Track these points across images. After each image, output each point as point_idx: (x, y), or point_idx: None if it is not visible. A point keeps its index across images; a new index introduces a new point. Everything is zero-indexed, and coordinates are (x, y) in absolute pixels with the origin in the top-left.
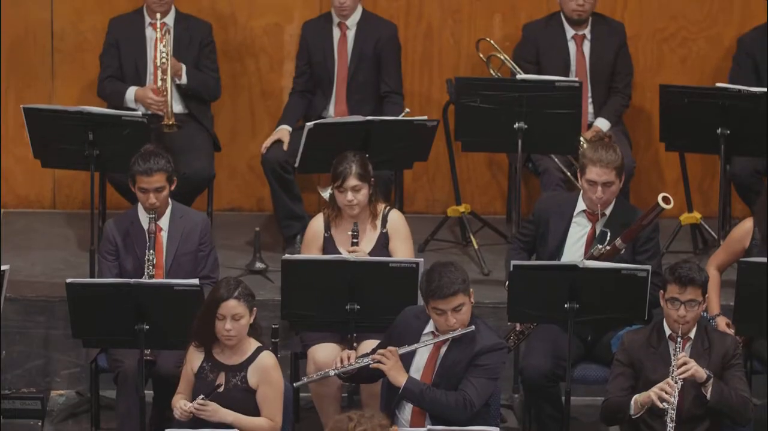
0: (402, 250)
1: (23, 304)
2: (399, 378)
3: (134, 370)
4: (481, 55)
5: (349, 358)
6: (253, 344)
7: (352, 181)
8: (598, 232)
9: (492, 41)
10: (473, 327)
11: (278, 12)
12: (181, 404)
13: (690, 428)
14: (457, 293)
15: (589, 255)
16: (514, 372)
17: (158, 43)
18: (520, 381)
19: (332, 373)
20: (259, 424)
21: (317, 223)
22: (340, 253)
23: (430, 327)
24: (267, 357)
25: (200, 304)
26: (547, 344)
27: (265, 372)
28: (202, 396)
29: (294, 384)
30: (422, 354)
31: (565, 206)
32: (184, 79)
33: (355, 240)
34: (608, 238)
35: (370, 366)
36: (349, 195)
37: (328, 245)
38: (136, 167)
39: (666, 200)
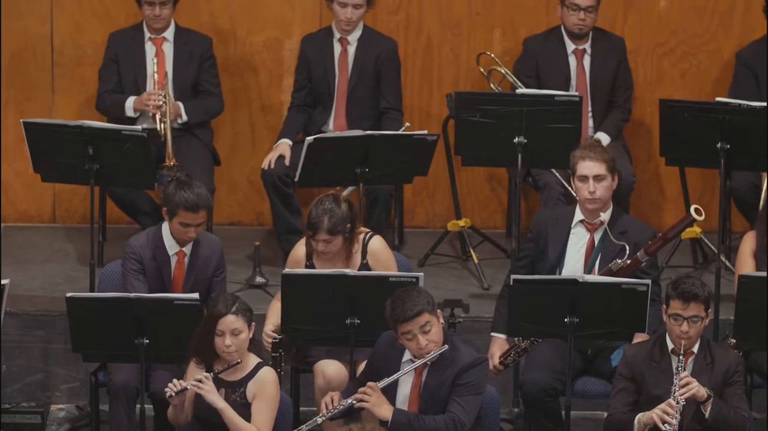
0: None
1: (23, 318)
2: (385, 413)
3: (123, 383)
4: (482, 69)
5: (332, 401)
6: (254, 360)
7: (323, 235)
8: (597, 241)
9: (493, 55)
10: (446, 346)
11: (278, 26)
12: (174, 381)
13: None
14: (421, 313)
15: (606, 270)
16: (514, 386)
17: (156, 86)
18: (520, 395)
19: (320, 421)
20: (246, 427)
21: (300, 250)
22: None
23: (407, 355)
24: (266, 373)
25: (200, 319)
26: (548, 358)
27: (262, 385)
28: (205, 375)
29: None
30: (405, 383)
31: (562, 218)
32: (184, 117)
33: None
34: (627, 252)
35: (354, 406)
36: (321, 246)
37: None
38: (181, 200)
39: (698, 211)
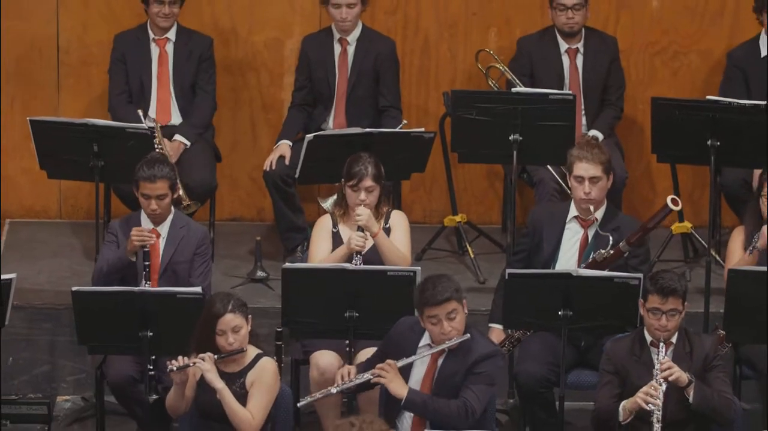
0: (400, 240)
1: (30, 312)
2: (401, 390)
3: (120, 382)
4: (480, 66)
5: (349, 374)
6: (253, 351)
7: (368, 182)
8: (590, 237)
9: (491, 52)
10: (468, 335)
11: (278, 27)
12: (179, 357)
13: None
14: (450, 300)
15: (591, 261)
16: (509, 378)
17: (158, 144)
18: (515, 387)
19: (335, 391)
20: (240, 411)
21: (325, 220)
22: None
23: (425, 340)
24: (265, 362)
25: (206, 304)
26: (542, 350)
27: (260, 373)
28: (208, 354)
29: (298, 404)
30: (420, 367)
31: (557, 214)
32: (187, 143)
33: (360, 223)
34: (611, 242)
35: (371, 380)
36: (363, 195)
37: (337, 240)
38: (141, 173)
39: (675, 201)
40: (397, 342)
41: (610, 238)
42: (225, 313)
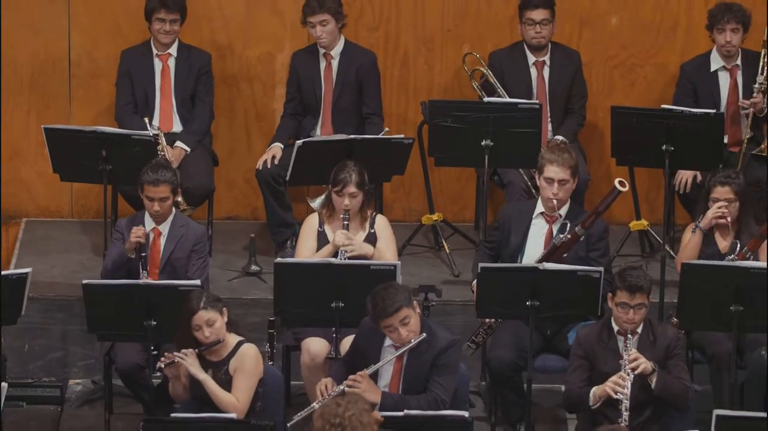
0: (389, 250)
1: (44, 303)
2: (374, 397)
3: (128, 369)
4: (466, 68)
5: (327, 389)
6: (234, 339)
7: (351, 188)
8: (555, 232)
9: (478, 55)
10: (424, 334)
11: (270, 42)
12: (166, 353)
13: (637, 413)
14: (400, 308)
15: (551, 246)
16: (482, 363)
17: (160, 153)
18: (487, 371)
19: (317, 405)
20: (224, 396)
21: (312, 219)
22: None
23: (389, 341)
24: (246, 348)
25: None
26: (511, 337)
27: (241, 360)
28: (190, 350)
29: (288, 425)
30: (387, 368)
31: (525, 210)
32: (187, 149)
33: (346, 222)
34: (568, 228)
35: (346, 391)
36: (346, 200)
37: (321, 239)
38: (146, 177)
39: (622, 183)
40: (364, 342)
41: (568, 224)
42: (198, 310)
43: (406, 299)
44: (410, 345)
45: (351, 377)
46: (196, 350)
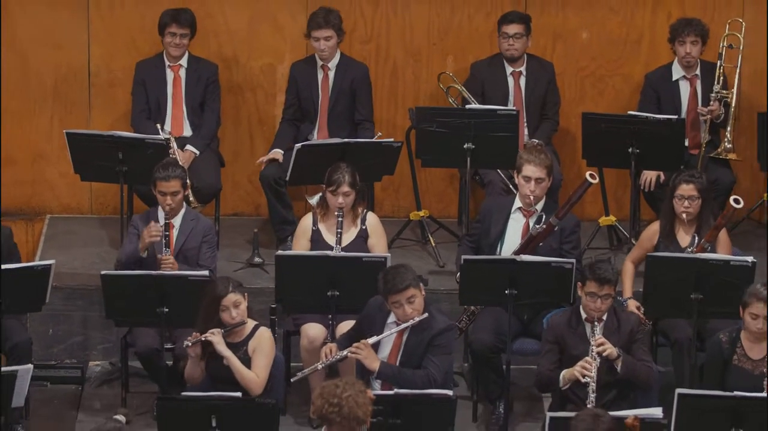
0: (380, 245)
1: (66, 292)
2: (374, 364)
3: (145, 353)
4: (442, 86)
5: (331, 351)
6: (251, 323)
7: (344, 188)
8: (531, 225)
9: (451, 74)
10: (427, 314)
11: (272, 54)
12: (193, 333)
13: (604, 394)
14: (408, 287)
15: (528, 237)
16: (464, 346)
17: (172, 153)
18: (469, 353)
19: (320, 367)
20: (247, 373)
21: (307, 220)
22: (327, 243)
23: (392, 318)
24: (262, 331)
25: (208, 287)
26: (491, 322)
27: (259, 341)
28: (217, 329)
29: (291, 380)
30: (388, 342)
31: (504, 205)
32: (196, 152)
33: (339, 219)
34: (543, 219)
35: (348, 356)
36: (340, 199)
37: (316, 236)
38: (157, 174)
39: (592, 176)
40: (368, 320)
41: (543, 216)
42: (228, 293)
43: (415, 281)
44: (412, 322)
45: (355, 344)
46: (222, 330)
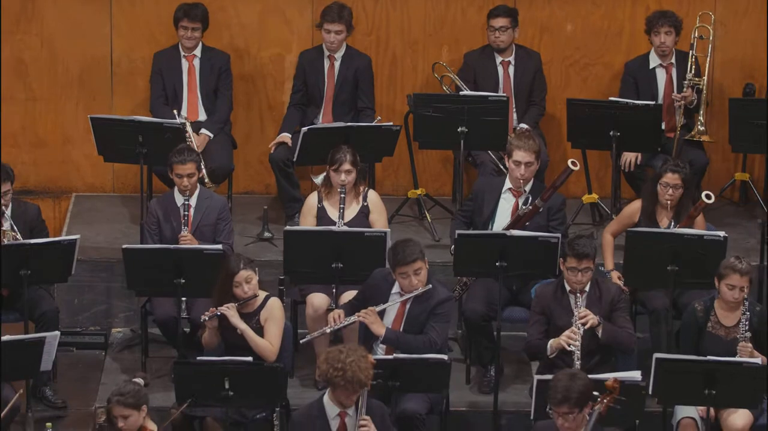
0: (381, 220)
1: (90, 264)
2: (379, 329)
3: (165, 320)
4: (436, 75)
5: (339, 317)
6: (262, 294)
7: (346, 166)
8: (520, 204)
9: (445, 64)
10: (430, 285)
11: (281, 45)
12: (211, 308)
13: (588, 359)
14: (416, 260)
15: (516, 216)
16: (458, 314)
17: (188, 139)
18: (462, 321)
19: (328, 330)
20: (261, 341)
21: (312, 198)
22: (331, 218)
23: (396, 288)
24: (273, 301)
25: (222, 264)
26: (483, 292)
27: (271, 310)
28: (231, 304)
29: (300, 341)
30: (392, 310)
31: (495, 185)
32: (210, 135)
33: (342, 195)
34: (530, 201)
35: (355, 321)
36: (342, 176)
37: (321, 213)
38: (174, 158)
39: (574, 163)
40: (373, 289)
41: (530, 197)
42: (240, 269)
43: (421, 254)
44: (416, 292)
45: (363, 311)
46: (236, 304)
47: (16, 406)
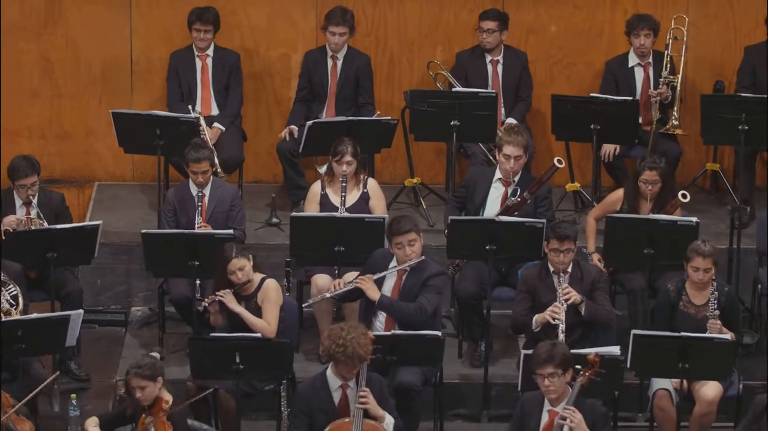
0: (380, 206)
1: (112, 247)
2: (375, 295)
3: (180, 299)
4: (431, 72)
5: (340, 284)
6: (258, 276)
7: (348, 157)
8: (510, 193)
9: (439, 62)
10: (423, 257)
11: (287, 45)
12: (209, 296)
13: (570, 334)
14: (410, 231)
15: (505, 206)
16: (451, 293)
17: (201, 132)
18: (455, 299)
19: (329, 295)
20: (258, 322)
21: (316, 186)
22: (334, 204)
23: (393, 263)
24: (268, 283)
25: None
26: (474, 273)
27: (266, 291)
28: (227, 290)
29: (303, 305)
30: (389, 281)
31: (486, 175)
32: (222, 128)
33: (344, 184)
34: (518, 193)
35: (355, 286)
36: (344, 167)
37: (324, 200)
38: (189, 156)
39: (560, 161)
40: (374, 267)
41: (518, 190)
42: (232, 258)
43: (416, 227)
44: (411, 263)
45: (360, 277)
46: (232, 289)
47: (44, 378)
